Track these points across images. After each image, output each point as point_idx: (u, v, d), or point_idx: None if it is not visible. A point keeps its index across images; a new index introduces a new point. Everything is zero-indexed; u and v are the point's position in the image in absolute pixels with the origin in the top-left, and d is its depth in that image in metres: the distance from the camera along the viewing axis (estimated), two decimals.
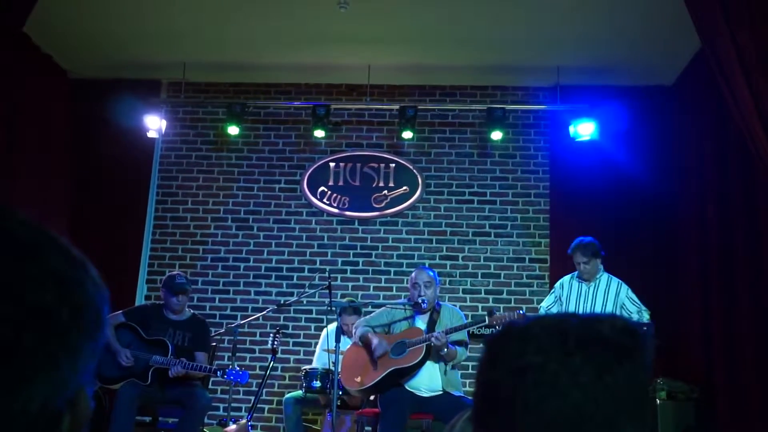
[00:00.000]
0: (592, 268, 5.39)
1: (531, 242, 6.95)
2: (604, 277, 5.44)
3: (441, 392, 4.78)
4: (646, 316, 5.24)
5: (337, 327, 4.85)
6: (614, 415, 0.79)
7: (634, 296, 5.35)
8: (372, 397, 5.05)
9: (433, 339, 4.69)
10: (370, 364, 4.86)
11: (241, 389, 6.65)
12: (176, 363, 5.04)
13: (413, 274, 5.07)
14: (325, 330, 6.08)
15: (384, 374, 4.77)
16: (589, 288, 5.43)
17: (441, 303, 5.13)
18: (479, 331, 5.15)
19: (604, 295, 5.36)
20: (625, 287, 5.38)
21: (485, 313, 4.92)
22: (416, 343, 4.78)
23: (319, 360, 5.90)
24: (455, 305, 6.40)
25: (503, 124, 6.70)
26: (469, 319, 6.01)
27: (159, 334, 5.24)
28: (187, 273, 6.88)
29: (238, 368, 5.13)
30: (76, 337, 0.65)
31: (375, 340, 4.85)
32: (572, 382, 0.78)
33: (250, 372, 5.46)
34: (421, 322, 4.95)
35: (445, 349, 4.72)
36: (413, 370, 4.77)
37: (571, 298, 5.46)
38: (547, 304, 5.66)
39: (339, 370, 4.77)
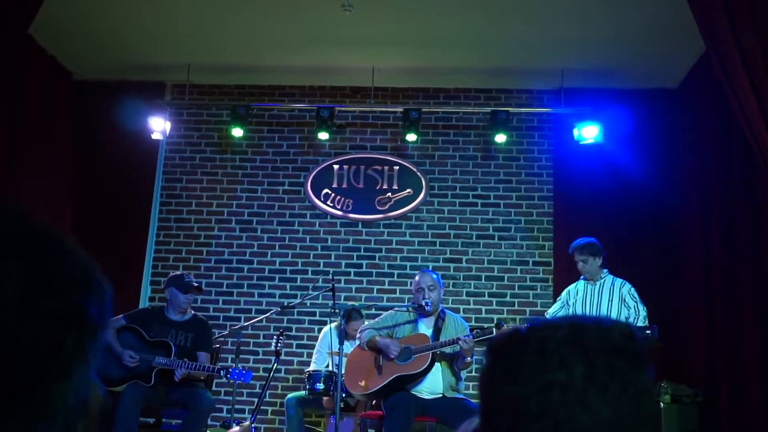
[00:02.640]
0: (591, 268, 5.41)
1: (535, 245, 6.94)
2: (609, 278, 5.47)
3: (442, 395, 4.76)
4: (642, 314, 5.24)
5: (341, 328, 4.85)
6: (636, 422, 0.80)
7: (635, 293, 5.35)
8: (374, 402, 5.04)
9: (461, 343, 4.64)
10: (375, 368, 4.84)
11: (244, 391, 6.65)
12: (180, 365, 5.04)
13: (417, 278, 5.05)
14: (323, 330, 6.08)
15: (388, 380, 4.75)
16: (594, 288, 5.45)
17: (446, 310, 5.09)
18: (482, 333, 5.14)
19: (609, 293, 5.39)
20: (628, 285, 5.39)
21: (492, 325, 4.88)
22: (423, 350, 4.75)
23: (318, 361, 5.90)
24: (458, 311, 6.41)
25: (507, 127, 6.70)
26: (473, 323, 6.02)
27: (161, 335, 5.24)
28: (191, 274, 6.92)
29: (241, 368, 5.14)
30: (102, 333, 0.70)
31: (386, 344, 4.81)
32: (600, 399, 0.79)
33: (253, 374, 5.46)
34: (426, 328, 4.93)
35: (468, 358, 4.69)
36: (418, 377, 4.74)
37: (577, 300, 5.49)
38: (553, 311, 5.66)
39: (342, 372, 4.76)
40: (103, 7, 5.97)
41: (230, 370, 5.08)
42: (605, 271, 5.48)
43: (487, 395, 0.86)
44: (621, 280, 5.44)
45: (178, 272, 5.59)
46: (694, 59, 6.22)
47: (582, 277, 5.55)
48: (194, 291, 5.36)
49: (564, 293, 5.69)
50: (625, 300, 5.33)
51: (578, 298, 5.49)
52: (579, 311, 5.41)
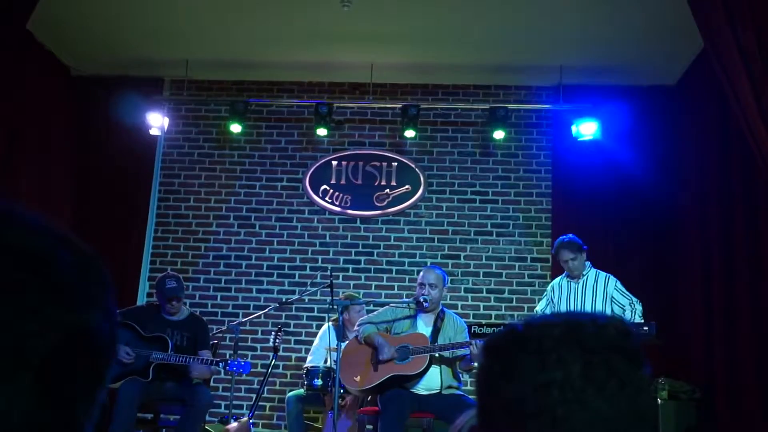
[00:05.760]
0: (580, 264, 5.33)
1: (533, 241, 6.95)
2: (592, 272, 5.38)
3: (439, 391, 4.76)
4: (639, 308, 5.18)
5: (339, 326, 4.84)
6: (634, 419, 0.80)
7: (623, 288, 5.28)
8: (369, 398, 5.03)
9: (472, 348, 4.58)
10: (371, 365, 4.81)
11: (242, 387, 6.66)
12: (178, 359, 5.07)
13: (421, 273, 5.02)
14: (322, 328, 6.07)
15: (384, 378, 4.73)
16: (578, 285, 5.37)
17: (446, 310, 5.05)
18: (480, 330, 5.14)
19: (592, 291, 5.31)
20: (613, 280, 5.31)
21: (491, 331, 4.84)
22: (421, 351, 4.72)
23: (316, 358, 5.88)
24: (456, 308, 6.41)
25: (506, 123, 6.70)
26: (471, 320, 6.02)
27: (157, 333, 5.25)
28: (188, 270, 6.92)
29: (239, 359, 5.15)
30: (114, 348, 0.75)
31: (381, 344, 4.77)
32: (598, 397, 0.79)
33: (252, 369, 5.46)
34: (425, 326, 4.90)
35: (476, 362, 4.66)
36: (414, 378, 4.72)
37: (562, 298, 5.42)
38: (541, 308, 5.62)
39: (340, 363, 4.75)
40: (102, 3, 5.96)
41: (229, 362, 5.09)
42: (588, 264, 5.44)
43: (485, 394, 0.86)
44: (605, 273, 5.36)
45: (166, 274, 5.55)
46: (693, 56, 6.22)
47: (565, 273, 5.49)
48: (174, 299, 5.35)
49: (548, 289, 5.64)
50: (615, 298, 5.25)
51: (563, 297, 5.42)
52: (563, 310, 5.35)
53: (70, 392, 0.65)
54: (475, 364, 4.66)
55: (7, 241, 0.65)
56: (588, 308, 5.22)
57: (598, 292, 5.30)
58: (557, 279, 5.59)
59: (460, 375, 4.98)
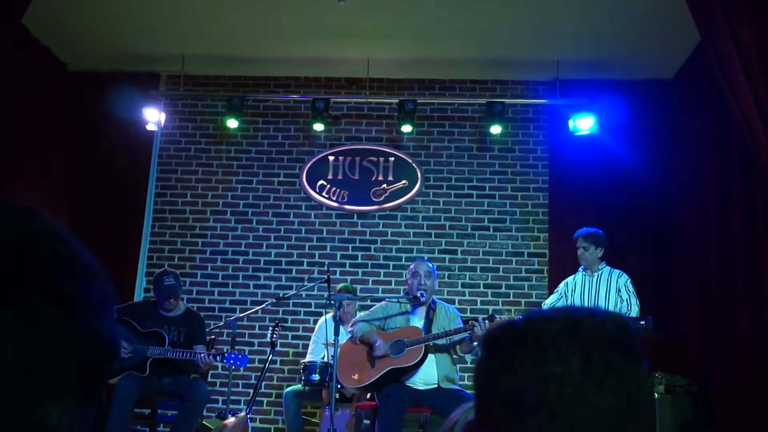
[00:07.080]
0: (590, 257, 5.47)
1: (530, 236, 6.95)
2: (606, 269, 5.51)
3: (437, 386, 4.77)
4: (635, 309, 5.28)
5: (336, 320, 4.85)
6: (632, 415, 0.80)
7: (631, 287, 5.41)
8: (369, 395, 5.05)
9: (476, 329, 4.59)
10: (368, 362, 4.83)
11: (240, 382, 6.66)
12: (175, 353, 5.07)
13: (413, 265, 5.05)
14: (319, 321, 6.09)
15: (381, 373, 4.74)
16: (592, 279, 5.51)
17: (436, 300, 5.09)
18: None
19: (606, 284, 5.46)
20: (625, 277, 5.45)
21: (485, 316, 4.83)
22: (416, 342, 4.75)
23: (314, 352, 5.91)
24: (453, 303, 6.41)
25: (502, 118, 6.70)
26: (468, 315, 6.03)
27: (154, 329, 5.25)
28: (185, 266, 6.92)
29: (237, 352, 5.16)
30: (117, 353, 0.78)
31: (377, 342, 4.80)
32: (597, 392, 0.79)
33: (248, 365, 5.46)
34: (418, 320, 4.93)
35: (476, 342, 4.66)
36: (411, 370, 4.74)
37: (576, 291, 5.53)
38: (551, 302, 5.68)
39: (337, 363, 4.77)
40: None
41: (226, 355, 5.10)
42: (603, 263, 5.51)
43: (483, 388, 0.86)
44: (618, 271, 5.49)
45: (164, 270, 5.54)
46: (689, 51, 6.22)
47: (581, 267, 5.58)
48: (172, 296, 5.33)
49: (562, 285, 5.71)
50: (620, 292, 5.38)
51: (576, 290, 5.54)
52: (577, 303, 5.44)
53: (93, 394, 0.68)
54: (476, 344, 4.65)
55: (56, 249, 0.66)
56: (601, 302, 5.39)
57: (611, 286, 5.45)
58: (572, 275, 5.69)
59: (457, 361, 4.99)
